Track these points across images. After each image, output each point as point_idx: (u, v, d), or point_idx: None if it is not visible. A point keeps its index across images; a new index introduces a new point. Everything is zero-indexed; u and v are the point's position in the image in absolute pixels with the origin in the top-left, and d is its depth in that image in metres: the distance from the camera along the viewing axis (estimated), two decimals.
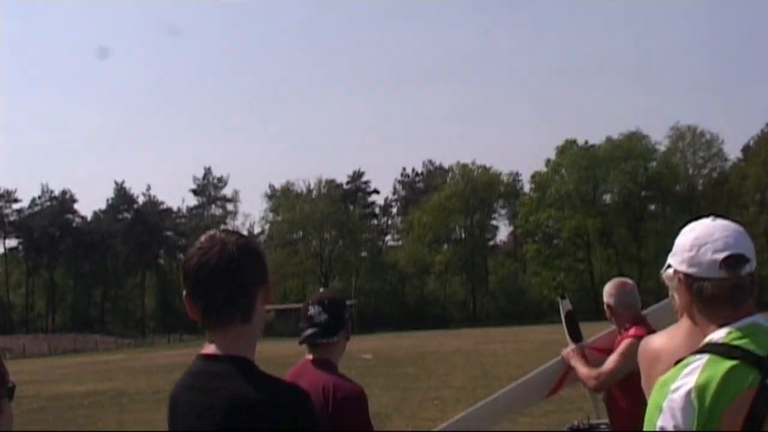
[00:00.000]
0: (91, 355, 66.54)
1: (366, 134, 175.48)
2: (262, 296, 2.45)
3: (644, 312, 5.67)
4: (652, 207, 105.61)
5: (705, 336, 2.42)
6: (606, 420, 5.84)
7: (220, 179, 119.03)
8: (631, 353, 5.02)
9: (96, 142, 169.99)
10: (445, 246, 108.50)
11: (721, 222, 2.50)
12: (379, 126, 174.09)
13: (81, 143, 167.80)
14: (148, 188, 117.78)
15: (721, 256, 2.41)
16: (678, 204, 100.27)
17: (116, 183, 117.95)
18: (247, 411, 2.27)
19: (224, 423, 2.28)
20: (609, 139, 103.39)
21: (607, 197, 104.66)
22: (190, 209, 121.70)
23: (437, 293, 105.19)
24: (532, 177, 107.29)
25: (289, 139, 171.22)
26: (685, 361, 2.32)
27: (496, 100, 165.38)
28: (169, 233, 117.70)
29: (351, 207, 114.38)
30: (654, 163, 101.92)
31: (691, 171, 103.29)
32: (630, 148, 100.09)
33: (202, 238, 2.47)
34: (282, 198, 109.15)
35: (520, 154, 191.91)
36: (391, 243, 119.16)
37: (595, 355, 5.75)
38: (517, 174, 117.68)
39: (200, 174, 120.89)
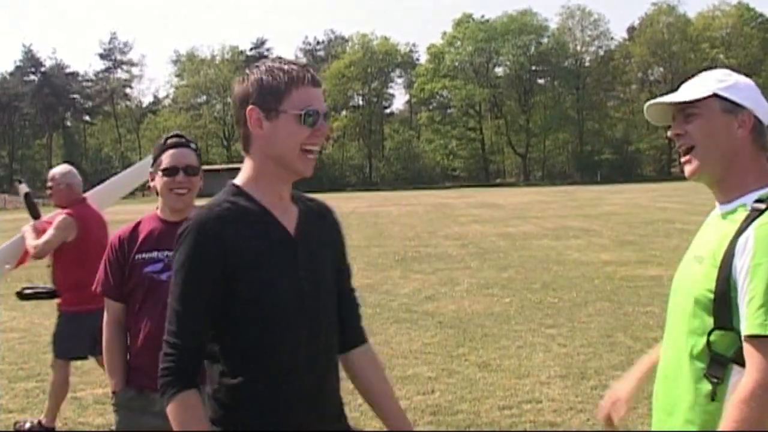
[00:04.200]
0: (10, 213, 64.90)
1: (269, 2, 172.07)
2: (254, 126, 2.44)
3: (85, 194, 6.69)
4: (541, 81, 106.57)
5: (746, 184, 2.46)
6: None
7: (125, 44, 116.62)
8: (62, 227, 6.32)
9: (3, 4, 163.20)
10: (344, 112, 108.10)
11: None
12: None
13: None
14: (54, 51, 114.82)
15: None
16: (565, 79, 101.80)
17: (24, 46, 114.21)
18: None
19: None
20: (504, 15, 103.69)
21: (500, 70, 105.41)
22: (96, 73, 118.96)
23: (335, 157, 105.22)
24: (429, 48, 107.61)
25: (194, 5, 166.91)
26: None
27: None
28: (75, 96, 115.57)
29: None
30: (545, 40, 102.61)
31: (579, 48, 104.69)
32: (523, 24, 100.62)
33: None
34: (187, 63, 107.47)
35: (418, 26, 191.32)
36: None
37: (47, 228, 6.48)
38: (414, 45, 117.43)
39: (106, 39, 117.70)
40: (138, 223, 4.05)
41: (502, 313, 11.13)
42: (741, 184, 2.44)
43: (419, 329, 10.19)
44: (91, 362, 8.49)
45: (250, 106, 2.41)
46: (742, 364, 2.27)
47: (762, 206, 2.34)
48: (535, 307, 11.44)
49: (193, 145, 4.09)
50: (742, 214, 2.37)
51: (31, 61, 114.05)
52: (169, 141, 4.04)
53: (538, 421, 6.52)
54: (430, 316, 11.03)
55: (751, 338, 2.22)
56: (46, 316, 11.80)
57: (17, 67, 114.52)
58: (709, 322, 2.35)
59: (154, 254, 3.90)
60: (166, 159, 3.96)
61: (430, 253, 19.19)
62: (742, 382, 2.24)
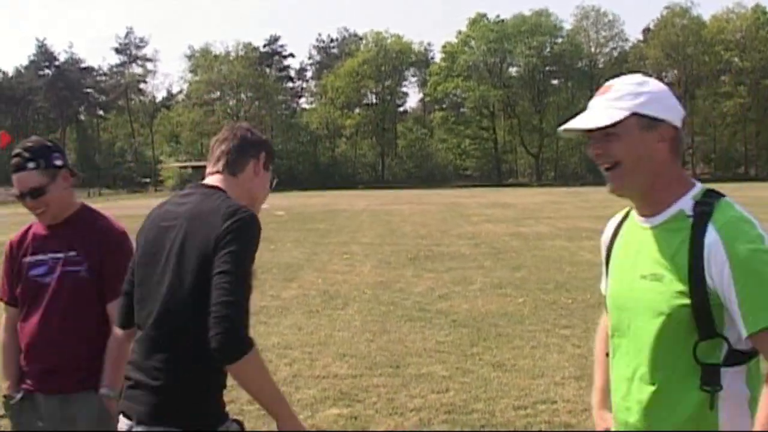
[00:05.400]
0: (13, 206, 65.10)
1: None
2: (253, 167, 3.07)
3: None
4: (555, 81, 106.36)
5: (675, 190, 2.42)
6: None
7: (141, 39, 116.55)
8: None
9: None
10: (357, 110, 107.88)
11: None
12: None
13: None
14: (70, 46, 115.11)
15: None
16: (579, 80, 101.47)
17: (38, 40, 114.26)
18: (198, 215, 2.81)
19: (182, 224, 2.82)
20: (518, 15, 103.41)
21: (513, 70, 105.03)
22: (111, 67, 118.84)
23: (348, 155, 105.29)
24: (443, 47, 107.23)
25: (209, 1, 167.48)
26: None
27: None
28: (89, 90, 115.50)
29: (267, 69, 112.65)
30: (559, 40, 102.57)
31: (593, 49, 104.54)
32: (537, 25, 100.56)
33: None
34: (200, 59, 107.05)
35: (433, 25, 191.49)
36: (305, 105, 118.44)
37: None
38: (428, 44, 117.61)
39: (122, 33, 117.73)
40: (29, 227, 3.95)
41: (515, 313, 11.11)
42: (668, 193, 2.40)
43: (433, 328, 10.17)
44: None
45: (264, 154, 3.12)
46: (731, 364, 2.28)
47: (707, 209, 2.31)
48: (548, 308, 11.41)
49: (32, 165, 3.68)
50: (686, 221, 2.34)
51: (45, 55, 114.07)
52: (11, 162, 3.68)
53: (553, 421, 6.49)
54: (444, 315, 11.01)
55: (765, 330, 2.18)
56: None
57: (31, 61, 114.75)
58: (691, 336, 2.30)
59: (40, 257, 3.79)
60: (13, 182, 3.71)
61: (443, 252, 19.17)
62: None
